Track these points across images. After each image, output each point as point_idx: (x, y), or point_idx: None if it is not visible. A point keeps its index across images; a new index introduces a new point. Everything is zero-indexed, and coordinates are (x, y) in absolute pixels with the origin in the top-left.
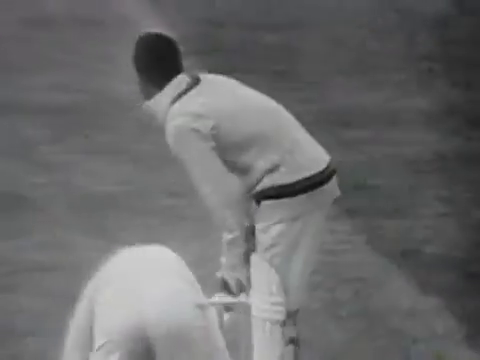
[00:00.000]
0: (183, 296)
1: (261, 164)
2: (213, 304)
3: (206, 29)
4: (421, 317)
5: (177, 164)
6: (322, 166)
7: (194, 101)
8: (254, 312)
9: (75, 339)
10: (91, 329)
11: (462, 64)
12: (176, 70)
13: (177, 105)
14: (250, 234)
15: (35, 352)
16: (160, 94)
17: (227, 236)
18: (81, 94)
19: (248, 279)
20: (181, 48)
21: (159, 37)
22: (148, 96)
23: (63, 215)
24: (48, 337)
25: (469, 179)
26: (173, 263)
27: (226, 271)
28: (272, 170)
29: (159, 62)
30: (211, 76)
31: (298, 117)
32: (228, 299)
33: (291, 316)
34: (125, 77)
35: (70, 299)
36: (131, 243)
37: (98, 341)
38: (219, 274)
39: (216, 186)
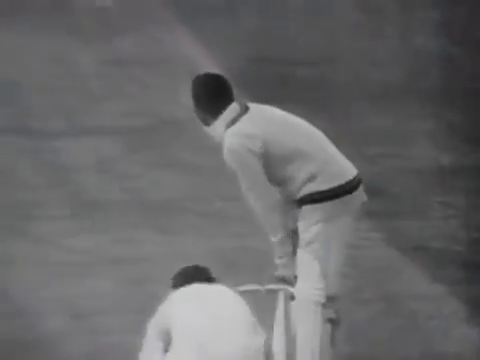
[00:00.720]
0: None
1: (301, 175)
2: (264, 290)
3: (248, 64)
4: (430, 300)
5: (226, 174)
6: (351, 176)
7: (246, 125)
8: (299, 296)
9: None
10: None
11: (460, 91)
12: (228, 101)
13: (232, 128)
14: (294, 233)
15: (109, 327)
16: (217, 121)
17: (274, 239)
18: (149, 118)
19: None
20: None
21: (211, 76)
22: (206, 123)
23: (134, 216)
24: (122, 314)
25: (467, 187)
26: (239, 314)
27: (282, 270)
28: (310, 179)
29: (213, 97)
30: (257, 105)
31: (327, 136)
32: (274, 286)
33: (330, 300)
34: (183, 104)
35: (137, 284)
36: (189, 239)
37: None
38: (277, 273)
39: (260, 194)
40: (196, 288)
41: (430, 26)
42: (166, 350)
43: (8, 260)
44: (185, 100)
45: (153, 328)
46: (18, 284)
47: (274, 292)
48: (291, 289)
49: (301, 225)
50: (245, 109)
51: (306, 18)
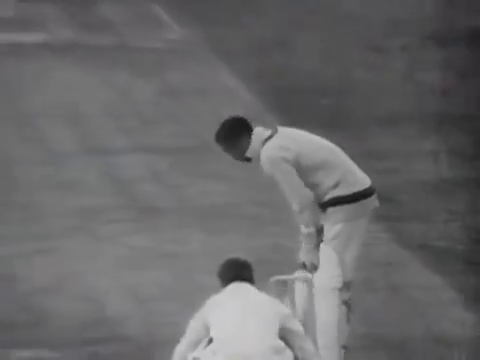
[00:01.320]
0: (279, 354)
1: (327, 182)
2: (289, 279)
3: (277, 93)
4: (431, 290)
5: (258, 184)
6: (367, 185)
7: (280, 140)
8: (321, 282)
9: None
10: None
11: (456, 117)
12: (250, 131)
13: (269, 143)
14: (320, 230)
15: (164, 310)
16: (250, 147)
17: (305, 231)
18: (194, 138)
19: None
20: (260, 106)
21: (236, 119)
22: (237, 157)
23: (184, 218)
24: (175, 299)
25: (466, 197)
26: (269, 308)
27: (304, 256)
28: (334, 186)
29: (238, 137)
30: (284, 127)
31: (345, 152)
32: (299, 275)
33: (345, 285)
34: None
35: (187, 275)
36: (229, 237)
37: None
38: (300, 258)
39: (297, 195)
40: (232, 289)
41: (430, 63)
42: (199, 343)
43: (80, 255)
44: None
45: (197, 321)
46: (89, 275)
47: (300, 281)
48: (311, 276)
49: (326, 224)
50: (275, 131)
51: (325, 56)
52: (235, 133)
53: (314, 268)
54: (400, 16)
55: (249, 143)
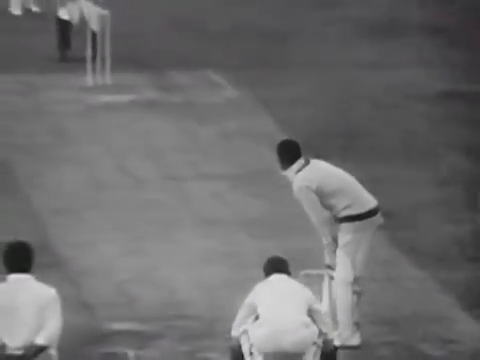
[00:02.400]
0: (307, 327)
1: (341, 204)
2: (315, 274)
3: (313, 135)
4: (418, 280)
5: (292, 201)
6: (373, 205)
7: (307, 173)
8: (338, 278)
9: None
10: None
11: (461, 145)
12: (297, 156)
13: (299, 174)
14: (336, 240)
15: (223, 295)
16: (290, 169)
17: (325, 241)
18: (243, 169)
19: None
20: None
21: (288, 141)
22: (284, 169)
23: (237, 227)
24: (232, 287)
25: (449, 217)
26: (300, 294)
27: (328, 260)
28: (346, 207)
29: (290, 156)
30: (314, 160)
31: (361, 181)
32: (322, 271)
33: (355, 279)
34: (266, 160)
35: (242, 270)
36: (270, 240)
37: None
38: (325, 260)
39: (317, 216)
40: (274, 279)
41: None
42: (249, 318)
43: (161, 254)
44: (268, 157)
45: (248, 302)
46: (167, 269)
47: (323, 275)
48: (332, 273)
49: (340, 234)
50: (307, 162)
51: (346, 105)
52: (283, 153)
53: (333, 267)
54: None
55: (290, 166)
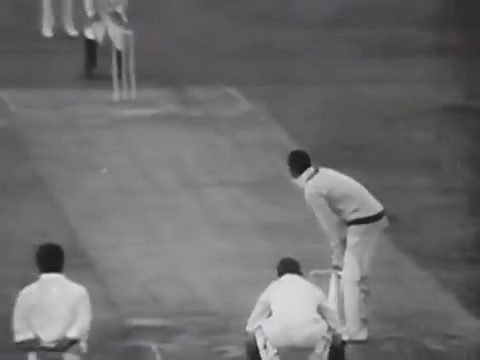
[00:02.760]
0: (317, 323)
1: (349, 208)
2: (325, 274)
3: (322, 148)
4: (421, 281)
5: (304, 207)
6: (379, 210)
7: (317, 180)
8: (346, 277)
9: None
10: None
11: (462, 156)
12: (306, 166)
13: (310, 182)
14: (344, 241)
15: (241, 294)
16: (300, 177)
17: (332, 244)
18: (259, 177)
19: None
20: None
21: (299, 152)
22: (295, 177)
23: (252, 230)
24: (249, 286)
25: (444, 222)
26: (311, 292)
27: (335, 261)
28: (354, 211)
29: (299, 164)
30: (323, 168)
31: (369, 188)
32: (331, 271)
33: (362, 278)
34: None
35: (260, 270)
36: (283, 243)
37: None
38: (333, 261)
39: (327, 219)
40: (286, 279)
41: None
42: (263, 314)
43: (180, 255)
44: (280, 166)
45: (262, 300)
46: (185, 269)
47: (331, 275)
48: (340, 273)
49: (348, 236)
50: (316, 170)
51: (354, 118)
52: (294, 162)
53: (341, 268)
54: None
55: (301, 174)
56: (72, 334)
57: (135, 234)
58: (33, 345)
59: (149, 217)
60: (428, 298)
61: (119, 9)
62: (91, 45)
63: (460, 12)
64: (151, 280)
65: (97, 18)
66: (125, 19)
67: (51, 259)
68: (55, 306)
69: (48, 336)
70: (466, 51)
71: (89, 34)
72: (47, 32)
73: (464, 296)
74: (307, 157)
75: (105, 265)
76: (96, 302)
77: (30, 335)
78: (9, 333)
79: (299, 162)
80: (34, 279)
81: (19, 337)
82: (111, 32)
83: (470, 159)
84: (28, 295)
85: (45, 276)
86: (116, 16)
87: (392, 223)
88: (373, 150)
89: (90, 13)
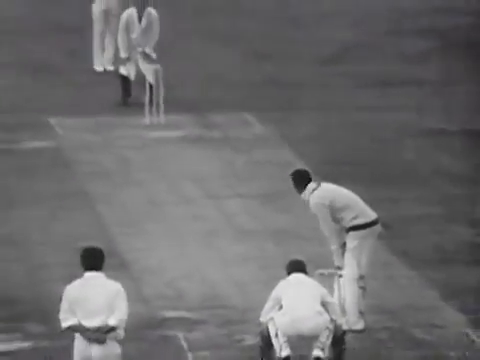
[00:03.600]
0: (321, 315)
1: (348, 217)
2: (327, 273)
3: (323, 165)
4: (409, 278)
5: (309, 215)
6: (374, 218)
7: (321, 192)
8: (346, 275)
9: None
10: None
11: (446, 172)
12: (308, 182)
13: (314, 193)
14: (344, 245)
15: (254, 291)
16: (305, 192)
17: (332, 247)
18: (269, 189)
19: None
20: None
21: (300, 170)
22: (300, 193)
23: (265, 236)
24: (262, 284)
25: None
26: (316, 288)
27: (336, 261)
28: (353, 219)
29: (301, 181)
30: (325, 183)
31: (363, 198)
32: (333, 271)
33: (361, 277)
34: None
35: (270, 270)
36: (292, 246)
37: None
38: (335, 263)
39: (328, 226)
40: (294, 277)
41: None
42: (274, 308)
43: (202, 257)
44: (289, 180)
45: (273, 295)
46: (208, 269)
47: (333, 273)
48: (341, 272)
49: (348, 241)
50: (319, 184)
51: (351, 140)
52: (298, 180)
53: (341, 268)
54: None
55: (304, 189)
56: (112, 322)
57: (164, 239)
58: (78, 329)
59: (176, 224)
60: (415, 294)
61: (147, 49)
62: (125, 79)
63: (440, 50)
64: (178, 278)
65: (129, 58)
66: (154, 56)
67: (93, 259)
68: (95, 300)
69: (90, 325)
70: (445, 83)
71: (123, 71)
72: (98, 67)
73: (445, 292)
74: (308, 174)
75: (139, 265)
76: (131, 297)
77: (75, 321)
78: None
79: (302, 180)
80: (78, 276)
81: (65, 324)
82: (142, 68)
83: (449, 175)
84: (73, 289)
85: (88, 274)
86: (145, 55)
87: (384, 229)
88: (368, 167)
89: (123, 55)
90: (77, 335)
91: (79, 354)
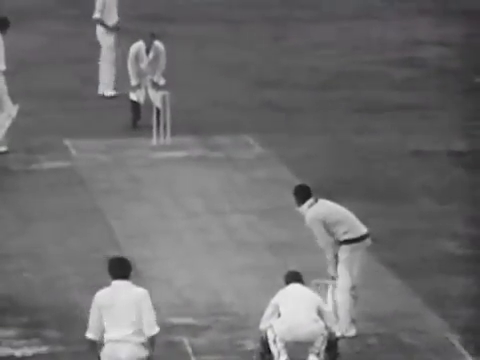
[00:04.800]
0: (317, 322)
1: (340, 231)
2: (322, 283)
3: (320, 182)
4: (394, 287)
5: (303, 229)
6: (364, 232)
7: (317, 208)
8: (339, 285)
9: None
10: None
11: (428, 190)
12: (308, 197)
13: (310, 209)
14: (336, 256)
15: (258, 299)
16: (303, 206)
17: (327, 257)
18: (268, 204)
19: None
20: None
21: (302, 185)
22: (299, 205)
23: (265, 247)
24: (265, 292)
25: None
26: (311, 297)
27: (330, 271)
28: (344, 233)
29: (303, 196)
30: (322, 199)
31: (357, 215)
32: (327, 281)
33: (352, 287)
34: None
35: (267, 279)
36: (290, 257)
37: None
38: (329, 274)
39: (323, 239)
40: (291, 287)
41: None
42: (274, 315)
43: (209, 267)
44: (287, 197)
45: (273, 303)
46: (214, 278)
47: (328, 284)
48: (335, 282)
49: (340, 253)
50: (316, 200)
51: (344, 159)
52: (299, 193)
53: (336, 278)
54: None
55: (304, 203)
56: (153, 331)
57: (171, 250)
58: (93, 346)
59: (182, 237)
60: (403, 302)
61: (156, 78)
62: (135, 104)
63: (423, 78)
64: (184, 287)
65: (139, 85)
66: (162, 83)
67: (120, 269)
68: (124, 306)
69: (118, 332)
70: (428, 108)
71: (133, 96)
72: (108, 93)
73: (429, 299)
74: (308, 189)
75: (148, 275)
76: None
77: (95, 337)
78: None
79: (302, 194)
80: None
81: (89, 334)
82: (150, 94)
83: (433, 192)
84: (102, 297)
85: (115, 282)
86: (154, 83)
87: (374, 242)
88: (359, 184)
89: (134, 83)
90: (106, 338)
91: (107, 356)
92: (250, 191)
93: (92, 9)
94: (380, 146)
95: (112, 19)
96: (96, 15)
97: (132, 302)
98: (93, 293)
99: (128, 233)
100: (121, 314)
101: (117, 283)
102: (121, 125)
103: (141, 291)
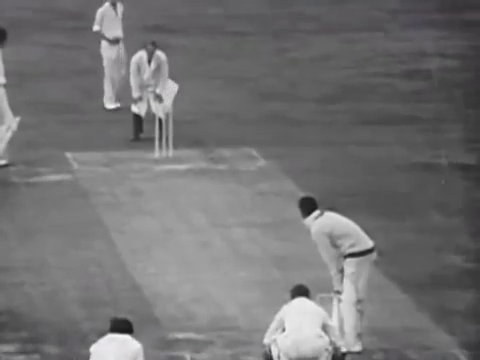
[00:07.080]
0: (321, 338)
1: (346, 244)
2: (327, 296)
3: (324, 194)
4: (408, 304)
5: (310, 244)
6: (370, 245)
7: (323, 220)
8: (345, 299)
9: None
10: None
11: (434, 203)
12: (314, 209)
13: (316, 222)
14: (342, 270)
15: (265, 312)
16: (309, 218)
17: (331, 272)
18: (272, 218)
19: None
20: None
21: (308, 197)
22: (304, 218)
23: (267, 261)
24: (270, 306)
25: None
26: (316, 312)
27: (336, 286)
28: (350, 246)
29: (309, 208)
30: (327, 211)
31: (362, 227)
32: (332, 295)
33: (358, 301)
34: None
35: (270, 294)
36: (293, 272)
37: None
38: (334, 288)
39: (328, 253)
40: (297, 301)
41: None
42: (278, 330)
43: (209, 281)
44: (291, 210)
45: (278, 318)
46: (217, 292)
47: (333, 298)
48: (340, 296)
49: (346, 267)
50: (321, 213)
51: (348, 172)
52: (305, 205)
53: (341, 292)
54: None
55: (309, 215)
56: None
57: (174, 264)
58: None
59: (185, 251)
60: (408, 316)
61: (158, 90)
62: (137, 117)
63: (429, 90)
64: (187, 301)
65: (141, 98)
66: (164, 95)
67: (121, 327)
68: (110, 356)
69: None
70: (434, 121)
71: (135, 109)
72: (109, 106)
73: (436, 315)
74: (314, 202)
75: (150, 289)
76: (142, 319)
77: None
78: None
79: (308, 206)
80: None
81: None
82: (153, 106)
83: (439, 205)
84: (96, 345)
85: (112, 335)
86: (156, 95)
87: (380, 256)
88: (364, 198)
89: (135, 96)
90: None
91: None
92: (254, 204)
93: (92, 21)
94: (385, 159)
95: (113, 32)
96: (95, 27)
97: (125, 355)
98: (93, 308)
99: (130, 247)
100: None
101: (114, 335)
102: (123, 138)
103: (136, 345)
